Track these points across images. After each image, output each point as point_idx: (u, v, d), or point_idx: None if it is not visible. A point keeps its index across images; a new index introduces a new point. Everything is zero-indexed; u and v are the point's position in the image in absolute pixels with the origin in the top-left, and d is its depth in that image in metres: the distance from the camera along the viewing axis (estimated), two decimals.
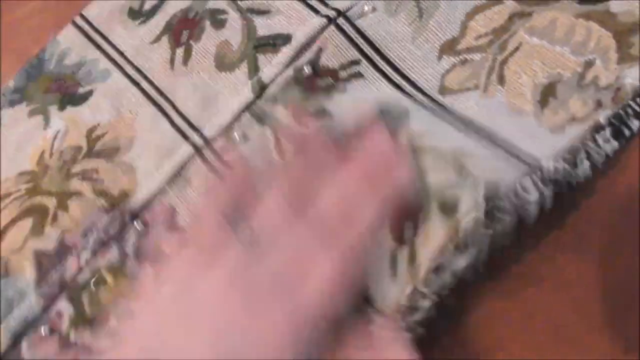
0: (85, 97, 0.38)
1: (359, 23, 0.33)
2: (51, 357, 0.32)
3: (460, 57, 0.32)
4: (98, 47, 0.39)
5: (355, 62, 0.33)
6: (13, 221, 0.36)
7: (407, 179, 0.27)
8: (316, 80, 0.33)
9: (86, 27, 0.40)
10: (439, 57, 0.32)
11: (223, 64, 0.35)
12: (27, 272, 0.34)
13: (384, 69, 0.33)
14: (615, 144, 0.29)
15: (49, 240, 0.34)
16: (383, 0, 0.34)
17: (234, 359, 0.23)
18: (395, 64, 0.33)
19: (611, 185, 0.29)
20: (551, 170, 0.28)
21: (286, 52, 0.34)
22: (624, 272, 0.29)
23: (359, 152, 0.26)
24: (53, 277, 0.33)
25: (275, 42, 0.35)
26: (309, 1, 0.35)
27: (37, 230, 0.35)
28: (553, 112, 0.30)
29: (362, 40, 0.33)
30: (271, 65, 0.34)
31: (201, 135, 0.34)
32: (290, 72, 0.33)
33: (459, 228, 0.26)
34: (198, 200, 0.33)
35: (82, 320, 0.32)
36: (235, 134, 0.33)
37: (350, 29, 0.33)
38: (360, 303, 0.26)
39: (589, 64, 0.30)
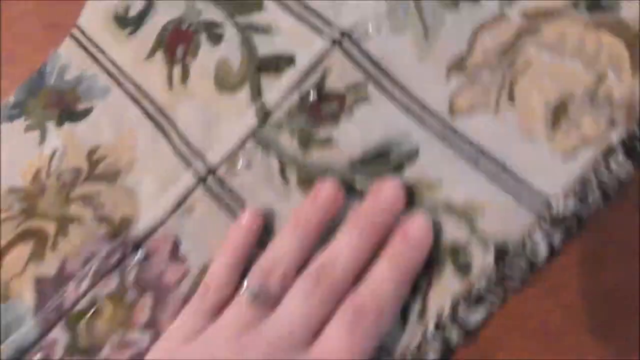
0: (84, 114, 0.38)
1: (364, 44, 0.33)
2: None
3: (469, 75, 0.32)
4: (96, 60, 0.39)
5: (362, 86, 0.33)
6: (11, 244, 0.36)
7: (427, 246, 0.29)
8: (322, 106, 0.33)
9: (82, 38, 0.40)
10: (448, 76, 0.32)
11: (224, 85, 0.35)
12: (27, 298, 0.34)
13: (391, 91, 0.33)
14: (629, 165, 0.29)
15: (49, 267, 0.35)
16: (387, 18, 0.33)
17: None
18: (403, 85, 0.33)
19: None
20: (561, 212, 0.28)
21: (290, 75, 0.34)
22: (613, 276, 0.29)
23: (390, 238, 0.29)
24: (52, 304, 0.34)
25: (278, 63, 0.34)
26: (311, 20, 0.34)
27: (38, 255, 0.35)
28: (565, 134, 0.30)
29: (368, 63, 0.33)
30: (275, 90, 0.34)
31: (204, 162, 0.34)
32: (295, 97, 0.33)
33: (471, 288, 0.28)
34: (201, 231, 0.33)
35: (76, 349, 0.33)
36: (239, 161, 0.33)
37: (356, 51, 0.33)
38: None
39: (601, 78, 0.30)
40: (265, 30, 0.35)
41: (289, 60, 0.34)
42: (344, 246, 0.29)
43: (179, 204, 0.34)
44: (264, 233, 0.32)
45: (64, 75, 0.40)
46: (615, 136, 0.29)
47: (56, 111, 0.39)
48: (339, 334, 0.27)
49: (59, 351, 0.33)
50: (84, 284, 0.34)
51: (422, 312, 0.29)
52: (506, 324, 0.30)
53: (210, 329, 0.29)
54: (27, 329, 0.33)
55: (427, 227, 0.29)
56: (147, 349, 0.31)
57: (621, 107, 0.30)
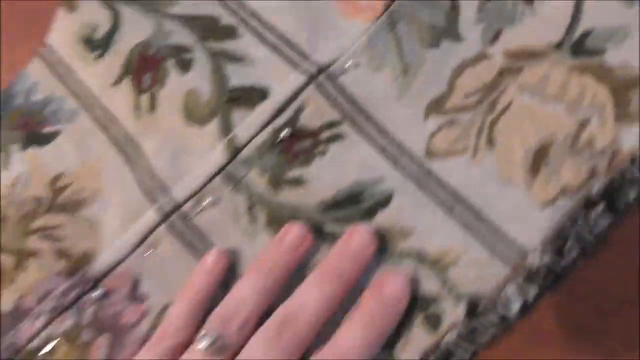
0: (50, 138, 0.38)
1: (341, 80, 0.33)
2: None
3: (448, 116, 0.32)
4: (65, 82, 0.38)
5: (337, 123, 0.33)
6: None
7: (403, 307, 0.29)
8: (294, 144, 0.32)
9: (50, 58, 0.39)
10: (426, 117, 0.32)
11: (192, 116, 0.35)
12: None
13: (367, 130, 0.32)
14: (609, 218, 0.28)
15: (5, 302, 0.34)
16: (366, 54, 0.33)
17: None
18: (380, 124, 0.32)
19: None
20: (536, 266, 0.27)
21: (263, 110, 0.33)
22: (605, 275, 0.29)
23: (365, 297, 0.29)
24: (6, 341, 0.33)
25: (250, 96, 0.34)
26: (287, 52, 0.34)
27: None
28: (544, 182, 0.29)
29: (344, 100, 0.33)
30: (246, 124, 0.33)
31: (169, 197, 0.33)
32: (266, 133, 0.33)
33: (440, 342, 0.28)
34: (163, 270, 0.33)
35: None
36: (206, 198, 0.33)
37: (332, 87, 0.33)
38: None
39: (583, 124, 0.30)
40: (238, 59, 0.35)
41: (262, 94, 0.34)
42: (310, 297, 0.29)
43: (142, 241, 0.33)
44: (229, 274, 0.32)
45: (31, 96, 0.39)
46: (596, 187, 0.29)
47: (22, 134, 0.38)
48: None
49: None
50: (40, 321, 0.33)
51: None
52: None
53: None
54: None
55: (405, 286, 0.29)
56: None
57: (603, 155, 0.30)
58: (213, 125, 0.34)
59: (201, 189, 0.33)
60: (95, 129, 0.36)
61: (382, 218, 0.31)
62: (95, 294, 0.33)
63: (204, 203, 0.33)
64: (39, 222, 0.35)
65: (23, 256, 0.35)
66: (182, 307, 0.31)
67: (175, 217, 0.33)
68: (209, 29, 0.35)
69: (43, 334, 0.33)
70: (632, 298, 0.28)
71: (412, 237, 0.31)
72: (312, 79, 0.33)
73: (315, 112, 0.33)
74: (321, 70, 0.33)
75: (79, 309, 0.33)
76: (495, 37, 0.32)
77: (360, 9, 0.34)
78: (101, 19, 0.37)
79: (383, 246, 0.31)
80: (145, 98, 0.35)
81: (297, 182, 0.32)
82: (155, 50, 0.35)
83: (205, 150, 0.34)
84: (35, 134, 0.38)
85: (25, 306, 0.34)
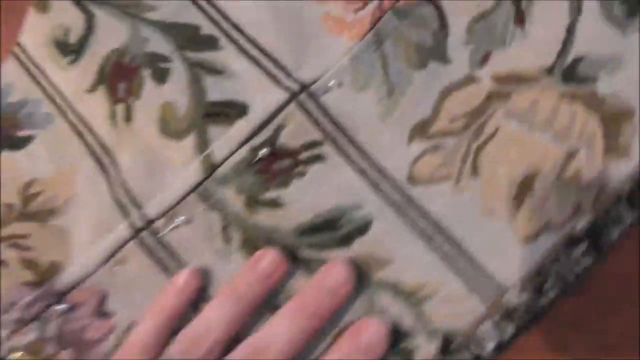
0: (24, 143, 0.36)
1: (324, 100, 0.32)
2: None
3: (433, 141, 0.31)
4: (39, 84, 0.37)
5: (318, 144, 0.32)
6: None
7: (379, 355, 0.29)
8: (273, 163, 0.32)
9: (24, 58, 0.38)
10: (410, 141, 0.31)
11: (168, 130, 0.34)
12: None
13: (349, 152, 0.32)
14: (592, 258, 0.28)
15: None
16: (350, 73, 0.32)
17: None
18: (362, 147, 0.32)
19: None
20: (514, 304, 0.27)
21: (241, 127, 0.32)
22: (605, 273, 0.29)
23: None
24: None
25: (229, 112, 0.33)
26: (269, 68, 0.33)
27: None
28: (528, 215, 0.29)
29: (326, 120, 0.32)
30: (224, 141, 0.32)
31: (141, 212, 0.33)
32: (244, 151, 0.32)
33: None
34: (131, 286, 0.32)
35: None
36: (179, 216, 0.32)
37: (314, 106, 0.32)
38: None
39: (571, 155, 0.30)
40: (217, 71, 0.34)
41: (242, 110, 0.33)
42: (282, 331, 0.28)
43: (111, 255, 0.33)
44: (200, 294, 0.31)
45: (6, 97, 0.38)
46: (580, 224, 0.28)
47: None
48: None
49: None
50: (3, 332, 0.33)
51: None
52: None
53: None
54: None
55: (383, 334, 0.29)
56: None
57: (589, 190, 0.29)
58: (189, 141, 0.33)
59: (175, 206, 0.32)
60: (70, 135, 0.35)
61: (360, 246, 0.31)
62: (61, 307, 0.32)
63: (177, 220, 0.32)
64: (7, 230, 0.35)
65: None
66: (149, 325, 0.30)
67: (147, 233, 0.32)
68: (188, 37, 0.34)
69: (5, 346, 0.33)
70: (632, 298, 0.28)
71: (389, 268, 0.30)
72: (293, 96, 0.32)
73: (296, 131, 0.32)
74: (304, 88, 0.32)
75: (44, 321, 0.33)
76: (484, 59, 0.32)
77: (346, 25, 0.33)
78: (74, 22, 0.36)
79: (359, 275, 0.30)
80: (120, 108, 0.34)
81: (274, 203, 0.32)
82: (131, 58, 0.35)
83: (181, 166, 0.33)
84: (9, 137, 0.37)
85: None
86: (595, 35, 0.31)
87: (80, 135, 0.35)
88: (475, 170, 0.31)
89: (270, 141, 0.32)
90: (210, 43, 0.34)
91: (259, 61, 0.33)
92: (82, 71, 0.35)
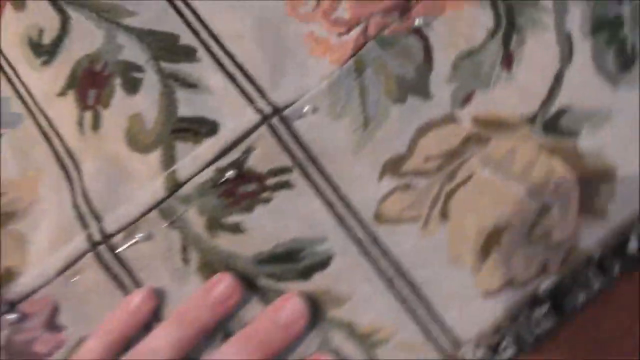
0: None
1: (297, 125, 0.31)
2: None
3: (404, 180, 0.30)
4: (10, 82, 0.36)
5: (287, 170, 0.31)
6: None
7: None
8: (239, 186, 0.31)
9: None
10: (381, 177, 0.30)
11: (135, 143, 0.33)
12: None
13: (317, 182, 0.31)
14: (552, 321, 0.27)
15: None
16: (327, 99, 0.31)
17: None
18: (331, 178, 0.31)
19: None
20: None
21: (209, 146, 0.31)
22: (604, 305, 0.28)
23: None
24: None
25: (198, 129, 0.32)
26: (244, 86, 0.32)
27: None
28: (492, 269, 0.28)
29: (296, 146, 0.31)
30: (190, 160, 0.31)
31: (100, 225, 0.32)
32: (210, 171, 0.31)
33: None
34: (85, 301, 0.32)
35: None
36: (139, 232, 0.31)
37: (285, 132, 0.31)
38: None
39: (543, 211, 0.29)
40: (191, 85, 0.33)
41: (212, 128, 0.32)
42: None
43: (67, 267, 0.32)
44: (152, 315, 0.31)
45: None
46: (544, 284, 0.28)
47: None
48: None
49: None
50: None
51: None
52: None
53: None
54: None
55: None
56: None
57: (558, 250, 0.28)
58: (156, 155, 0.32)
59: (135, 221, 0.31)
60: (38, 138, 0.34)
61: (319, 280, 0.30)
62: (12, 317, 0.32)
63: (136, 237, 0.31)
64: None
65: None
66: (98, 343, 0.30)
67: (104, 247, 0.31)
68: (165, 47, 0.33)
69: None
70: (633, 330, 0.27)
71: (345, 306, 0.30)
72: (265, 119, 0.31)
73: (265, 155, 0.31)
74: (276, 111, 0.31)
75: None
76: (467, 99, 0.31)
77: (329, 47, 0.32)
78: (49, 23, 0.34)
79: (315, 310, 0.30)
80: (88, 115, 0.33)
81: (236, 228, 0.31)
82: (103, 65, 0.33)
83: (145, 181, 0.32)
84: None
85: None
86: (584, 85, 0.30)
87: (47, 138, 0.34)
88: (444, 214, 0.30)
89: (238, 163, 0.31)
90: (187, 54, 0.33)
91: (234, 78, 0.32)
92: (54, 74, 0.34)
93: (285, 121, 0.31)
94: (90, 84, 0.33)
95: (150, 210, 0.31)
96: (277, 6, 0.33)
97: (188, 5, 0.34)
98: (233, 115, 0.32)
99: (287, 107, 0.31)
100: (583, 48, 0.30)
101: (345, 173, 0.31)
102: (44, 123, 0.35)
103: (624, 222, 0.28)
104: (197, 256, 0.31)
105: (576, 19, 0.30)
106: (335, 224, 0.30)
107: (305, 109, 0.31)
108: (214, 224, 0.31)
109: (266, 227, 0.31)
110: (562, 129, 0.29)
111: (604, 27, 0.30)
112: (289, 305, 0.29)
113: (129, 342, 0.30)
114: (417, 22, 0.31)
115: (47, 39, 0.34)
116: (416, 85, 0.31)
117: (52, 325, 0.32)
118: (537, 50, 0.30)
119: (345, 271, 0.30)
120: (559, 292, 0.28)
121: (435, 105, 0.31)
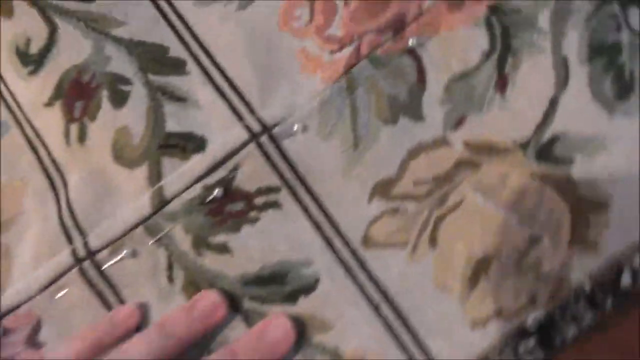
0: None
1: (286, 144, 0.31)
2: None
3: (393, 204, 0.29)
4: None
5: (275, 190, 0.30)
6: None
7: None
8: (226, 204, 0.30)
9: None
10: (370, 199, 0.30)
11: (121, 157, 0.32)
12: None
13: (305, 202, 0.30)
14: (539, 353, 0.26)
15: None
16: (317, 118, 0.30)
17: None
18: (319, 199, 0.30)
19: None
20: None
21: (197, 163, 0.31)
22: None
23: None
24: None
25: (185, 145, 0.31)
26: (234, 102, 0.31)
27: None
28: (480, 298, 0.28)
29: (285, 166, 0.30)
30: (177, 176, 0.31)
31: (85, 241, 0.31)
32: (197, 189, 0.31)
33: None
34: (68, 317, 0.31)
35: None
36: (124, 249, 0.31)
37: (274, 150, 0.30)
38: None
39: (534, 241, 0.28)
40: (180, 99, 0.32)
41: (200, 144, 0.31)
42: None
43: (51, 283, 0.31)
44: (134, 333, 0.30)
45: None
46: (532, 317, 0.27)
47: None
48: None
49: None
50: None
51: None
52: None
53: None
54: None
55: None
56: None
57: (547, 282, 0.28)
58: (142, 171, 0.32)
59: (120, 238, 0.31)
60: (24, 147, 0.34)
61: (304, 305, 0.30)
62: None
63: (121, 254, 0.31)
64: None
65: None
66: (71, 349, 0.29)
67: (88, 263, 0.31)
68: (154, 58, 0.33)
69: None
70: None
71: (331, 332, 0.29)
72: (254, 137, 0.31)
73: (253, 174, 0.31)
74: (265, 129, 0.31)
75: None
76: (459, 123, 0.30)
77: (321, 65, 0.31)
78: (37, 32, 0.34)
79: (300, 333, 0.29)
80: (75, 127, 0.33)
81: (223, 248, 0.30)
82: (91, 76, 0.33)
83: (131, 196, 0.31)
84: None
85: None
86: (579, 112, 0.29)
87: (33, 148, 0.34)
88: (433, 241, 0.29)
89: (225, 181, 0.31)
90: (177, 66, 0.32)
91: (224, 92, 0.32)
92: (41, 83, 0.34)
93: (274, 140, 0.31)
94: (77, 95, 0.33)
95: (136, 226, 0.31)
96: (270, 20, 0.32)
97: (180, 16, 0.33)
98: (221, 131, 0.31)
99: (276, 125, 0.31)
100: (579, 73, 0.29)
101: (334, 194, 0.30)
102: (30, 133, 0.34)
103: (617, 255, 0.28)
104: (183, 275, 0.31)
105: (573, 44, 0.29)
106: (323, 246, 0.30)
107: (295, 127, 0.31)
108: (200, 243, 0.31)
109: (253, 247, 0.30)
110: (555, 157, 0.29)
111: (602, 53, 0.29)
112: (276, 324, 0.29)
113: (102, 353, 0.30)
114: (411, 42, 0.30)
115: (34, 49, 0.34)
116: (408, 106, 0.30)
117: (33, 341, 0.31)
118: (532, 74, 0.29)
119: (331, 296, 0.29)
120: (548, 325, 0.27)
121: (427, 127, 0.30)
